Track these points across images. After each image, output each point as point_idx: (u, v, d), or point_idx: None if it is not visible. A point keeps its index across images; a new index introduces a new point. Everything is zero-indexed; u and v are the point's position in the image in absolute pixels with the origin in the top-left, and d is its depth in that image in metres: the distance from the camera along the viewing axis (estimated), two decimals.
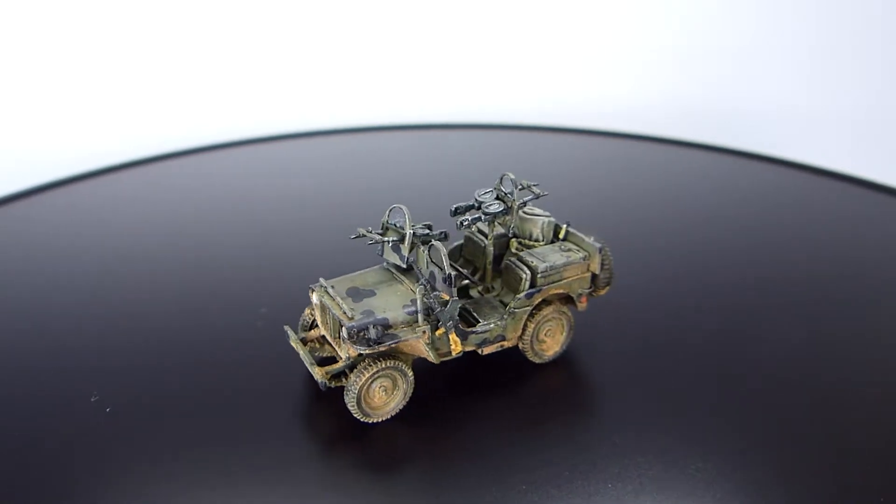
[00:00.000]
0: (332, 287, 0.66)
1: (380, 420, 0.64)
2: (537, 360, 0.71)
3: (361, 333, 0.61)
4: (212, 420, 0.66)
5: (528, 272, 0.67)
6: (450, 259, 0.75)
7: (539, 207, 0.73)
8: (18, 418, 0.67)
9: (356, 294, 0.65)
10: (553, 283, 0.68)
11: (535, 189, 0.71)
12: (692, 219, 1.04)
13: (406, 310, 0.63)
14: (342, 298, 0.64)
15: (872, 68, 1.41)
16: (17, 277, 0.90)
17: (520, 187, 0.71)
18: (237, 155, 1.29)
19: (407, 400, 0.65)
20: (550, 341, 0.71)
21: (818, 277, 0.88)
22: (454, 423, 0.66)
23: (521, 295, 0.67)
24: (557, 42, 1.45)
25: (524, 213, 0.71)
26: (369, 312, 0.62)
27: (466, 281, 0.73)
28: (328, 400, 0.67)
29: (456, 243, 0.76)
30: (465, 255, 0.76)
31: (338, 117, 1.44)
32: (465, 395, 0.69)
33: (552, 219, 0.71)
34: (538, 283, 0.67)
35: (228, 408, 0.67)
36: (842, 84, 1.43)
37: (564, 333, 0.71)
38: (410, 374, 0.64)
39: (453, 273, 0.62)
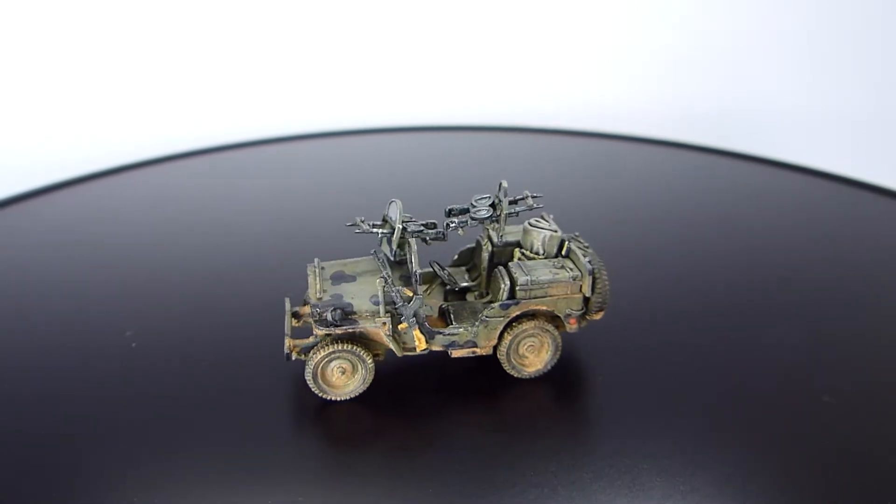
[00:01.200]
0: (323, 268, 0.70)
1: (338, 399, 0.67)
2: (515, 374, 0.70)
3: (323, 315, 0.64)
4: (208, 416, 0.67)
5: (507, 283, 0.66)
6: (461, 261, 0.76)
7: (546, 220, 0.71)
8: (16, 417, 0.66)
9: (339, 278, 0.68)
10: (535, 298, 0.66)
11: (528, 201, 0.70)
12: (690, 221, 1.04)
13: (372, 300, 0.65)
14: (323, 280, 0.68)
15: (870, 70, 1.42)
16: (20, 276, 0.90)
17: (517, 197, 0.70)
18: (243, 156, 1.30)
19: (366, 385, 0.67)
20: (533, 358, 0.70)
21: (817, 280, 0.88)
22: (431, 419, 0.66)
23: (496, 305, 0.66)
24: (556, 45, 1.45)
25: (530, 224, 0.70)
26: (338, 297, 0.66)
27: (465, 284, 0.73)
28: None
29: (468, 246, 0.76)
30: (474, 258, 0.76)
31: (343, 120, 1.45)
32: (454, 394, 0.69)
33: (557, 234, 0.69)
34: (517, 296, 0.66)
35: (226, 403, 0.68)
36: (839, 86, 1.44)
37: (549, 353, 0.69)
38: (370, 361, 0.66)
39: (418, 271, 0.65)
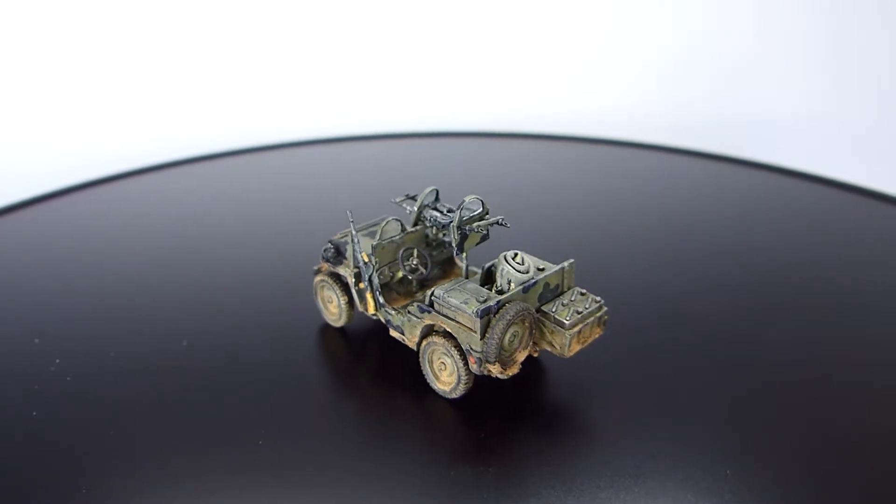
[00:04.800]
0: (389, 223, 0.74)
1: (327, 322, 0.79)
2: (428, 382, 0.68)
3: (325, 250, 0.74)
4: (211, 419, 0.67)
5: (432, 291, 0.65)
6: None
7: (522, 261, 0.66)
8: (26, 415, 0.67)
9: (373, 233, 0.75)
10: (443, 315, 0.64)
11: (474, 226, 0.68)
12: (689, 225, 1.04)
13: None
14: (364, 228, 0.76)
15: (869, 75, 1.41)
16: (23, 281, 0.92)
17: (492, 218, 0.69)
18: (248, 161, 1.35)
19: (343, 321, 0.77)
20: (444, 376, 0.67)
21: (817, 283, 0.88)
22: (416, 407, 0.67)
23: (416, 304, 0.66)
24: (553, 50, 1.45)
25: (504, 258, 0.66)
26: (344, 243, 0.73)
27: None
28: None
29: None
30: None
31: (343, 126, 1.48)
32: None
33: (523, 275, 0.65)
34: (434, 306, 0.65)
35: (228, 403, 0.69)
36: (838, 91, 1.43)
37: (454, 379, 0.66)
38: (343, 300, 0.75)
39: (373, 244, 0.70)
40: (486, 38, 1.45)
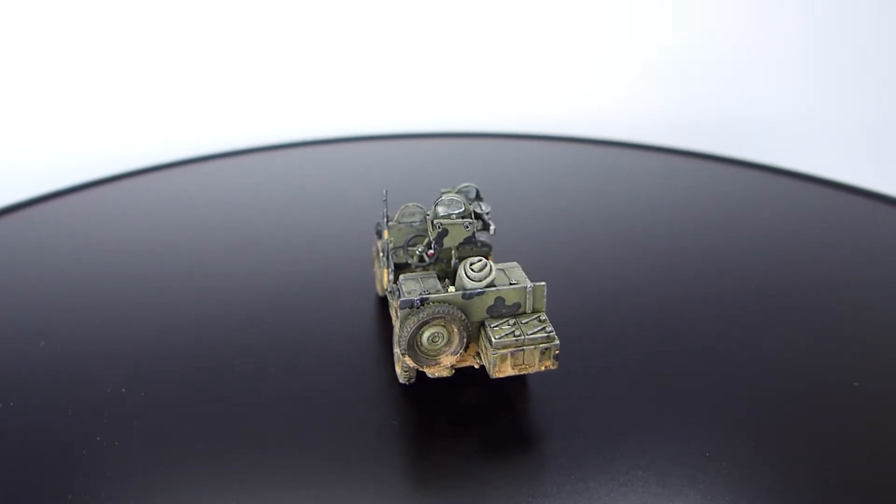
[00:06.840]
0: (408, 207, 0.75)
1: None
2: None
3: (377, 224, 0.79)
4: (216, 421, 0.67)
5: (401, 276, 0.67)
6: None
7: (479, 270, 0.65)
8: (36, 421, 0.67)
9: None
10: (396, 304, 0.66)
11: (436, 222, 0.68)
12: (689, 225, 1.04)
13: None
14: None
15: (870, 75, 1.42)
16: (25, 282, 0.92)
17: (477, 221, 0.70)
18: (249, 161, 1.34)
19: (381, 292, 0.81)
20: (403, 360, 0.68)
21: (815, 284, 0.88)
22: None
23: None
24: (552, 51, 1.45)
25: (464, 266, 0.66)
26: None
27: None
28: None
29: None
30: None
31: (343, 126, 1.47)
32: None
33: (466, 281, 0.64)
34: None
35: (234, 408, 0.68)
36: (839, 91, 1.44)
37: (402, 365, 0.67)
38: (377, 271, 0.81)
39: (389, 224, 0.72)
40: (486, 38, 1.45)
